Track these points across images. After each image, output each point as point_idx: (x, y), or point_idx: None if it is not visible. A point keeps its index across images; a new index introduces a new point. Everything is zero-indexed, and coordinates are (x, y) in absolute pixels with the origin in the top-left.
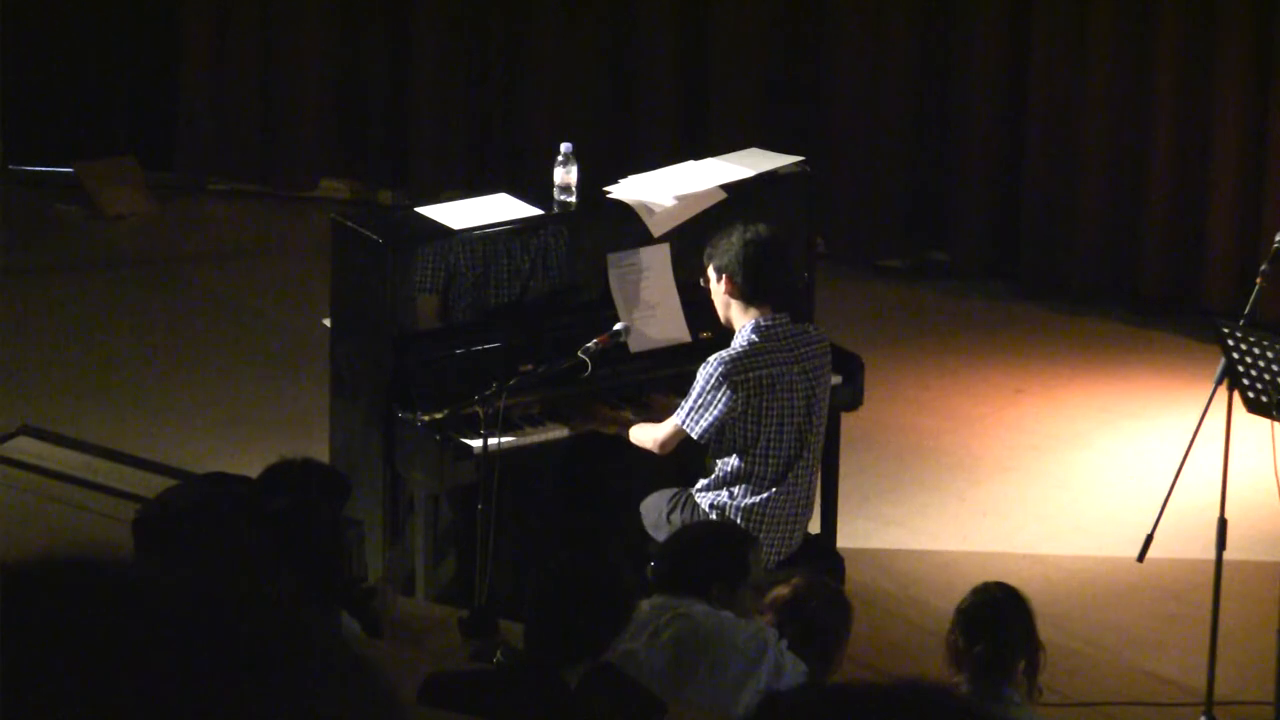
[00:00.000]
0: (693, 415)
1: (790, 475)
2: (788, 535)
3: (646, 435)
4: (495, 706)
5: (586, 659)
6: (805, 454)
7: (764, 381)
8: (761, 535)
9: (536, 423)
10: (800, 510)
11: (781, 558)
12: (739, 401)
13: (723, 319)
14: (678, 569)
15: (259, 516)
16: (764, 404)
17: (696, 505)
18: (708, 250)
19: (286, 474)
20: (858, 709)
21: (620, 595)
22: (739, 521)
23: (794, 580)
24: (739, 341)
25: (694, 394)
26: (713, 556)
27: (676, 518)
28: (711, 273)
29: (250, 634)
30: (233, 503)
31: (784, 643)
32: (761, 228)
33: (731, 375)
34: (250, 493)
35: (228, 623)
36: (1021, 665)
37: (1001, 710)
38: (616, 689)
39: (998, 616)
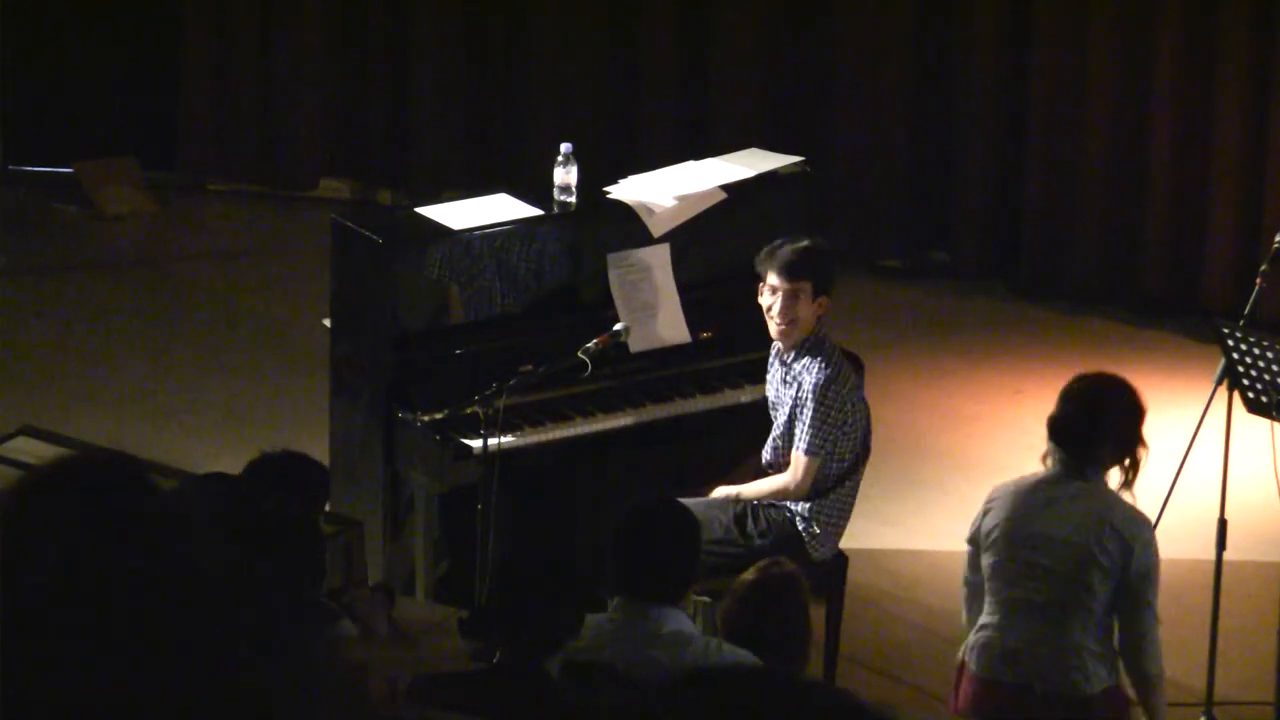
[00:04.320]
0: (823, 442)
1: (856, 472)
2: (843, 531)
3: (777, 485)
4: (482, 703)
5: (559, 646)
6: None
7: (853, 387)
8: (827, 531)
9: (536, 423)
10: (854, 503)
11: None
12: (847, 412)
13: (791, 335)
14: (640, 576)
15: (243, 518)
16: (856, 408)
17: (766, 509)
18: (799, 266)
19: (268, 470)
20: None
21: (574, 577)
22: (812, 520)
23: (741, 579)
24: (830, 358)
25: (817, 420)
26: (675, 561)
27: (751, 526)
28: (807, 286)
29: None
30: (226, 504)
31: (717, 641)
32: (818, 239)
33: (843, 390)
34: (235, 491)
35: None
36: (1125, 460)
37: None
38: (607, 685)
39: (1097, 398)
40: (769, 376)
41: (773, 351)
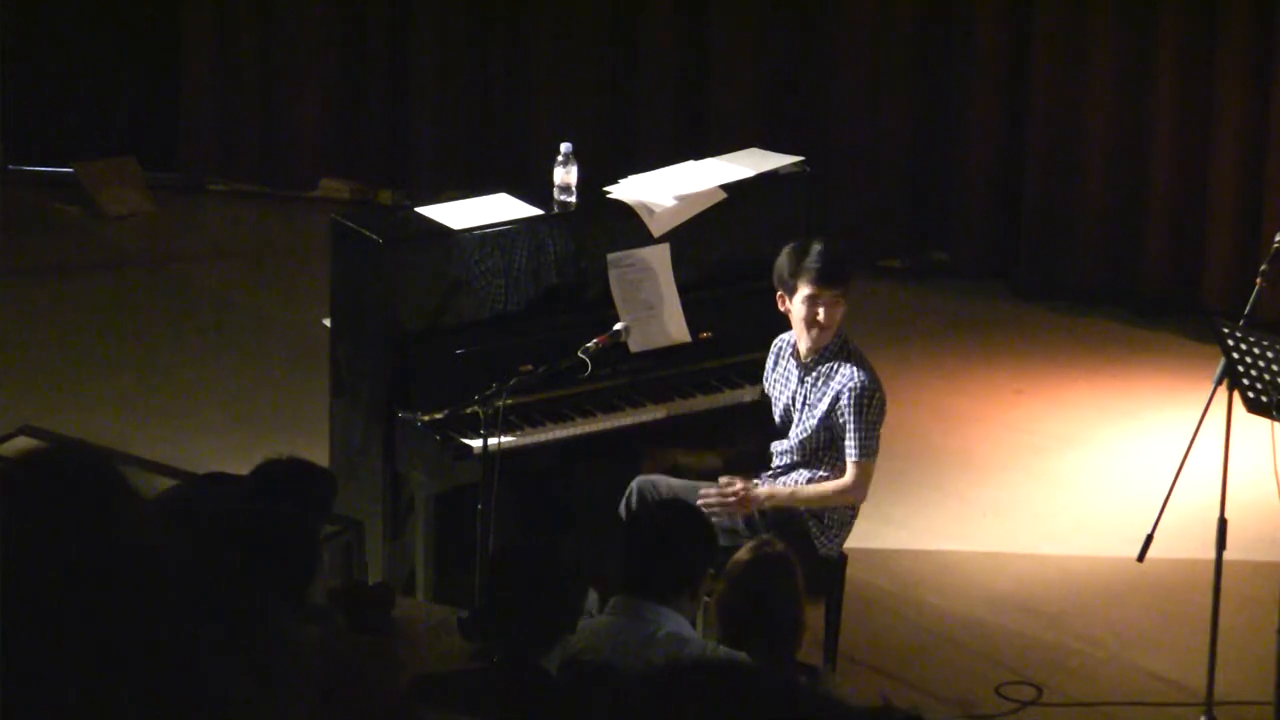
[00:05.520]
0: (873, 446)
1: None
2: (851, 528)
3: (835, 491)
4: (482, 703)
5: (555, 642)
6: None
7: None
8: (838, 527)
9: (536, 423)
10: None
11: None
12: (883, 411)
13: (829, 337)
14: (643, 573)
15: (239, 518)
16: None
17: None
18: (837, 273)
19: (274, 474)
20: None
21: (568, 572)
22: (824, 514)
23: (734, 560)
24: (863, 361)
25: (865, 426)
26: (680, 561)
27: (757, 519)
28: (843, 291)
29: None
30: (223, 503)
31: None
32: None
33: (879, 392)
34: (234, 492)
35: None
36: None
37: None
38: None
39: None
40: (776, 374)
41: (777, 350)
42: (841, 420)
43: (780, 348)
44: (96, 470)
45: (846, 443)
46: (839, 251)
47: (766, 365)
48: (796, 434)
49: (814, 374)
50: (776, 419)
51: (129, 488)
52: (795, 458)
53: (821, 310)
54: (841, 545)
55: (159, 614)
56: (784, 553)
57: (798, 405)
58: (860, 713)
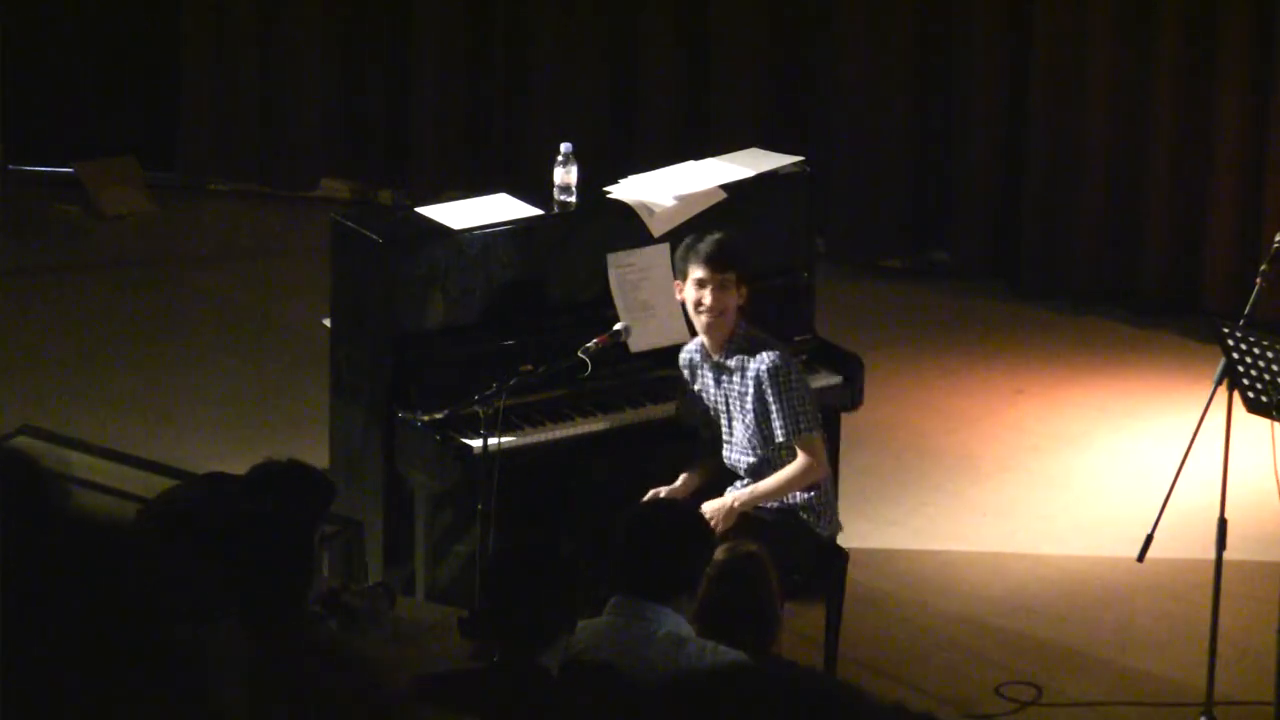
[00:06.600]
0: (808, 418)
1: (827, 443)
2: (837, 503)
3: (795, 474)
4: (482, 702)
5: (554, 640)
6: None
7: (799, 361)
8: (826, 506)
9: (537, 423)
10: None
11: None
12: (806, 382)
13: (721, 327)
14: (643, 572)
15: (233, 521)
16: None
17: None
18: (725, 256)
19: (271, 476)
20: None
21: (566, 571)
22: (812, 499)
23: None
24: (769, 344)
25: (791, 402)
26: (680, 560)
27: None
28: (732, 276)
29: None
30: (219, 505)
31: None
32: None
33: (794, 363)
34: (231, 495)
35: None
36: None
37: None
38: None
39: None
40: (696, 387)
41: (689, 359)
42: (769, 402)
43: (690, 359)
44: (29, 477)
45: (774, 424)
46: (733, 240)
47: (685, 382)
48: (739, 433)
49: (727, 370)
50: (717, 430)
51: (62, 493)
52: (749, 458)
53: (708, 293)
54: (837, 523)
55: (113, 609)
56: (755, 551)
57: (725, 407)
58: (881, 710)
